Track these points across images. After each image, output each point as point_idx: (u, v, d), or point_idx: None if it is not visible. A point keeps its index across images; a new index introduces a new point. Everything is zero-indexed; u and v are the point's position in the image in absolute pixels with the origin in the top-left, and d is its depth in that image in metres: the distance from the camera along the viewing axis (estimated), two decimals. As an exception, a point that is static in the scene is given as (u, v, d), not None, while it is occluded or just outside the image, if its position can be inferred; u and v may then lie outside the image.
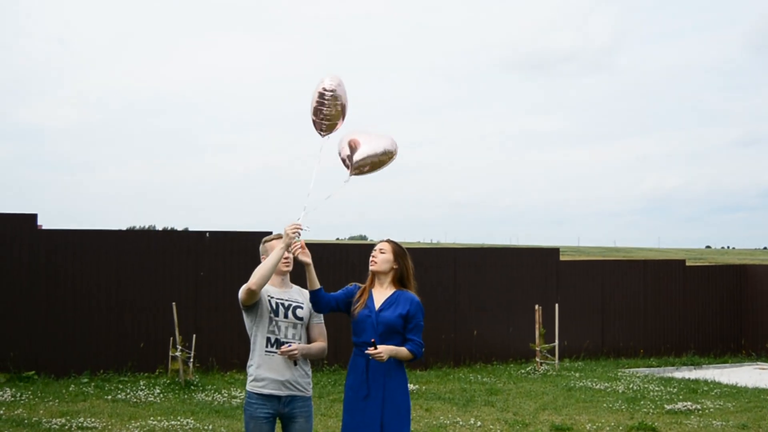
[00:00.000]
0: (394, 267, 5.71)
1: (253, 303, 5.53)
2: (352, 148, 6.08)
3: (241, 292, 5.44)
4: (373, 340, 5.37)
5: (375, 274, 5.75)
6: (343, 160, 6.14)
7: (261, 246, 5.81)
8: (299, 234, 5.45)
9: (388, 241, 5.81)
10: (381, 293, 5.68)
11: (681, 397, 13.45)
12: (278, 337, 5.56)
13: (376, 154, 6.06)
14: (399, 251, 5.76)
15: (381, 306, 5.59)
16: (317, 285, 5.53)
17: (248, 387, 5.57)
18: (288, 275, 5.74)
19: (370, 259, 5.75)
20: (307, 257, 5.45)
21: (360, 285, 5.81)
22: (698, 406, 12.44)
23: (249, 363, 5.62)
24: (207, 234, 15.84)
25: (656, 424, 11.08)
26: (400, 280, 5.73)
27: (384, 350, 5.34)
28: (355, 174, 6.07)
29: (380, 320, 5.52)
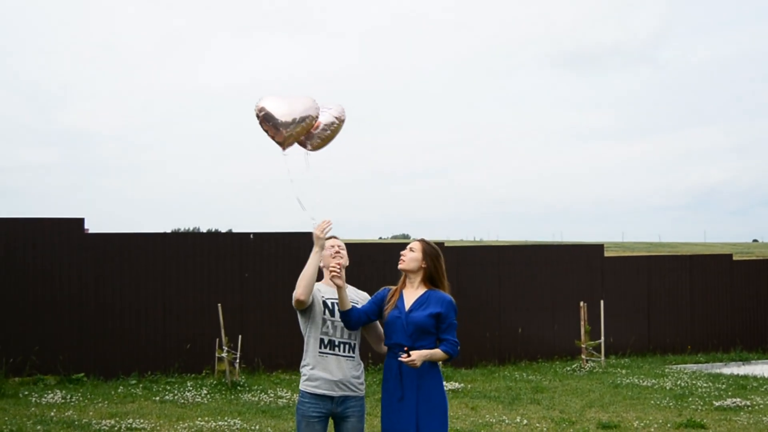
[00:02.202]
0: (423, 266, 5.58)
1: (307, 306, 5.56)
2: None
3: (293, 299, 5.47)
4: (406, 348, 5.30)
5: (405, 273, 5.66)
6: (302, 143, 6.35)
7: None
8: (330, 229, 5.48)
9: (420, 240, 5.71)
10: (412, 293, 5.58)
11: (730, 393, 13.27)
12: (332, 338, 5.55)
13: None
14: (429, 250, 5.63)
15: (411, 306, 5.49)
16: (349, 306, 5.45)
17: (302, 386, 5.56)
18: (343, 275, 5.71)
19: (400, 258, 5.69)
20: (340, 280, 5.40)
21: (391, 288, 5.71)
22: (748, 403, 12.27)
23: (303, 363, 5.60)
24: (251, 235, 15.91)
25: (705, 420, 10.93)
26: (430, 280, 5.60)
27: (417, 356, 5.26)
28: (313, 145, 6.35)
29: (410, 321, 5.42)
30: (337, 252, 5.60)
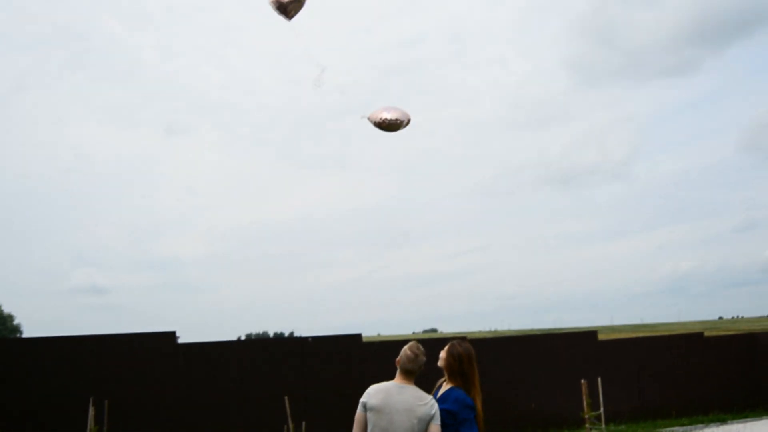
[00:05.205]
0: (445, 365, 5.37)
1: None
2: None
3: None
4: None
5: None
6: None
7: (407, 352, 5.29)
8: None
9: (450, 343, 5.50)
10: (444, 387, 5.38)
11: (713, 450, 12.77)
12: None
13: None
14: (452, 351, 5.37)
15: (437, 400, 5.27)
16: None
17: None
18: None
19: None
20: None
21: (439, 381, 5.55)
22: (728, 458, 11.78)
23: None
24: (309, 339, 15.83)
25: (694, 476, 10.49)
26: (454, 377, 5.34)
27: None
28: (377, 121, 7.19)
29: None
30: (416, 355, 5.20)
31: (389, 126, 7.30)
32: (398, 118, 7.26)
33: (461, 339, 5.58)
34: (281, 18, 6.86)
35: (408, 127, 7.44)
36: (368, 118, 7.31)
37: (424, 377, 5.67)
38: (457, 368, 5.35)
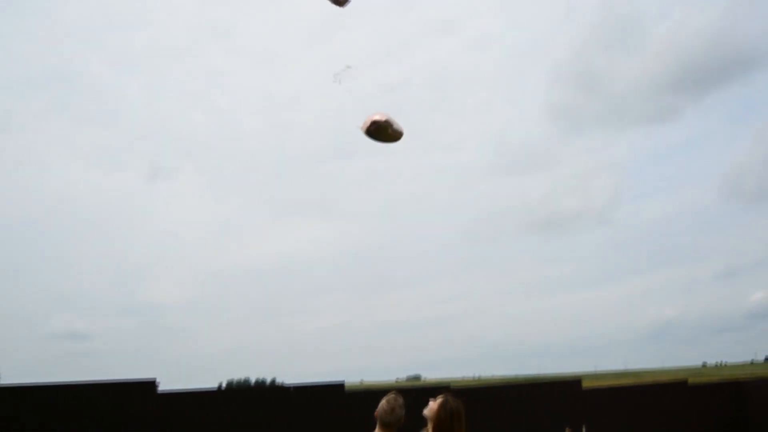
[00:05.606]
0: (432, 416, 5.25)
1: None
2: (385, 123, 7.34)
3: None
4: None
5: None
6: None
7: (387, 402, 5.32)
8: None
9: (444, 395, 5.37)
10: None
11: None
12: None
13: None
14: (444, 404, 5.27)
15: None
16: None
17: None
18: None
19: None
20: None
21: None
22: None
23: None
24: (291, 389, 15.66)
25: None
26: (436, 428, 5.23)
27: None
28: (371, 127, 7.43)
29: None
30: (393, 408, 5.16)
31: (378, 130, 7.40)
32: (388, 120, 7.39)
33: (452, 394, 5.46)
34: (335, 7, 7.02)
35: (401, 141, 7.55)
36: (361, 128, 7.46)
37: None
38: (447, 424, 5.26)
